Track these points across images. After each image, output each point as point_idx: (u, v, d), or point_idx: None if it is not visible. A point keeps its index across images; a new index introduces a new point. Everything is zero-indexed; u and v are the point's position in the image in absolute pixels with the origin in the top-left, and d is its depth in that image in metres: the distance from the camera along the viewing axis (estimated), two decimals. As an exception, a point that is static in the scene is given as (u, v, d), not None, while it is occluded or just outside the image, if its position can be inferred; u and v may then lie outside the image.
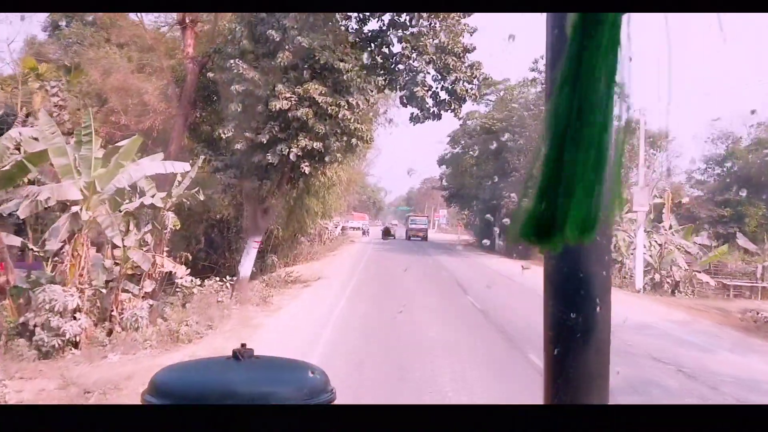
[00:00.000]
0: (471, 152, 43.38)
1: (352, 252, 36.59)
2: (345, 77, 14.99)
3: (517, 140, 34.79)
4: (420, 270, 25.91)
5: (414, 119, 17.14)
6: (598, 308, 1.01)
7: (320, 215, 28.14)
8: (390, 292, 18.63)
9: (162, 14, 20.62)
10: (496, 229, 43.84)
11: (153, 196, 13.85)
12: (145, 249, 13.66)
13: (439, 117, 17.06)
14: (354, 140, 15.88)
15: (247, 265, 17.03)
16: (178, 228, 14.33)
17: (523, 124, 34.95)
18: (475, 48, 16.18)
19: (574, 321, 0.99)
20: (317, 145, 15.19)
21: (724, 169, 40.82)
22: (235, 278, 16.97)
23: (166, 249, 14.50)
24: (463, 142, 45.11)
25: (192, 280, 14.86)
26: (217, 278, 15.49)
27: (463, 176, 45.27)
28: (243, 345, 1.67)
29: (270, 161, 15.21)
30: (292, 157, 15.24)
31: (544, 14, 0.96)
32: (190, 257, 27.34)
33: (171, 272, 14.71)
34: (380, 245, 46.17)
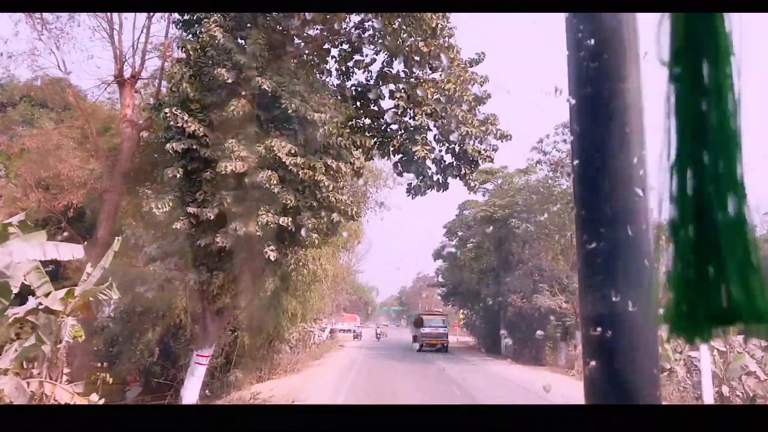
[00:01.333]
0: (470, 244, 39.60)
1: (340, 360, 31.62)
2: (321, 131, 11.28)
3: (525, 227, 31.05)
4: (423, 385, 21.18)
5: (413, 190, 13.33)
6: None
7: (300, 318, 23.71)
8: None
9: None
10: (503, 331, 39.23)
11: (47, 295, 9.67)
12: (26, 373, 9.33)
13: (444, 186, 13.27)
14: (335, 216, 11.95)
15: (192, 388, 12.54)
16: (81, 339, 10.00)
17: (531, 209, 31.36)
18: (489, 96, 12.68)
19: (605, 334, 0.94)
20: (284, 221, 11.22)
21: None
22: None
23: (66, 371, 10.15)
24: (460, 233, 41.41)
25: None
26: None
27: (461, 271, 41.19)
28: None
29: (221, 244, 11.16)
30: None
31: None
32: (139, 373, 22.64)
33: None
34: (372, 350, 41.11)
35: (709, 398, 14.97)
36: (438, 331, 40.99)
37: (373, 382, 21.09)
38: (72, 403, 10.24)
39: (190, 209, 11.28)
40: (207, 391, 15.63)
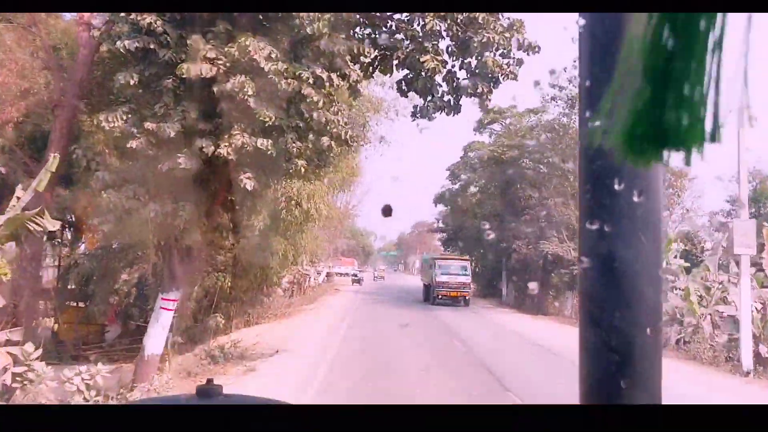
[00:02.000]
0: (473, 188, 37.62)
1: (334, 305, 30.00)
2: (307, 31, 9.12)
3: (537, 168, 29.01)
4: (422, 337, 19.56)
5: (420, 113, 11.24)
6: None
7: (292, 260, 21.93)
8: (382, 386, 11.77)
9: None
10: (505, 278, 37.71)
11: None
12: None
13: (456, 109, 11.16)
14: (325, 140, 9.92)
15: (156, 336, 10.79)
16: (6, 277, 8.14)
17: (543, 149, 29.23)
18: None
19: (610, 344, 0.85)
20: (263, 143, 9.20)
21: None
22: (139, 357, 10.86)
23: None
24: (464, 177, 39.31)
25: (43, 370, 8.67)
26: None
27: (463, 216, 39.29)
28: (209, 381, 1.54)
29: (184, 167, 9.16)
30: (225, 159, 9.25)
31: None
32: (117, 314, 21.05)
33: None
34: (369, 295, 39.59)
35: (747, 359, 13.31)
36: (458, 280, 32.97)
37: (367, 332, 19.47)
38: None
39: (148, 124, 9.22)
40: (180, 338, 13.96)
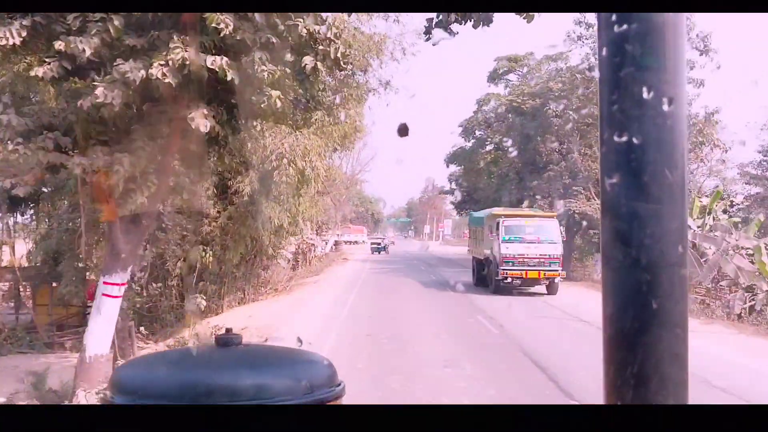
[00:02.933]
0: (489, 145, 34.71)
1: (341, 277, 27.34)
2: None
3: (564, 116, 26.01)
4: (438, 313, 17.01)
5: (436, 24, 8.41)
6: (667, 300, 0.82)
7: (289, 229, 19.29)
8: (392, 386, 9.13)
9: None
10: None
11: None
12: None
13: (487, 20, 8.35)
14: (308, 60, 7.19)
15: (98, 333, 8.25)
16: None
17: (569, 97, 26.22)
18: None
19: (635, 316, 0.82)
20: (215, 62, 6.48)
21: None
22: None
23: None
24: (478, 133, 36.30)
25: None
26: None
27: (478, 176, 36.43)
28: (228, 330, 1.53)
29: (103, 99, 6.47)
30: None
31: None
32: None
33: None
34: (378, 263, 37.06)
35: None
36: (541, 251, 20.96)
37: (376, 309, 16.92)
38: None
39: (59, 44, 6.51)
40: (143, 328, 11.48)
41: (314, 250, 36.55)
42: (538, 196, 29.21)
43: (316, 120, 14.54)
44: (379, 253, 48.88)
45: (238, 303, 18.42)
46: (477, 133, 36.01)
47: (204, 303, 15.10)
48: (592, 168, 27.67)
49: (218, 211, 16.56)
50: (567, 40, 25.96)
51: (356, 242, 68.85)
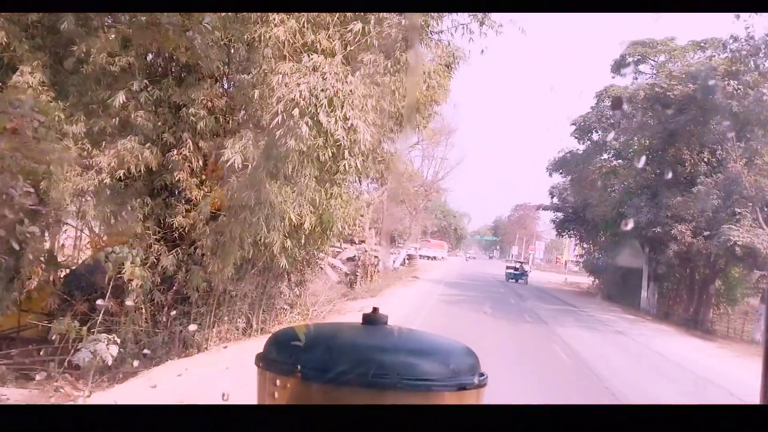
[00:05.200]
0: (610, 148, 27.21)
1: (398, 305, 18.86)
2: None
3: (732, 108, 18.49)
4: (532, 372, 10.11)
5: None
6: None
7: (320, 235, 12.75)
8: None
9: None
10: (647, 276, 27.06)
11: None
12: None
13: None
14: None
15: None
16: None
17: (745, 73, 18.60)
18: None
19: None
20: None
21: None
22: None
23: None
24: (595, 136, 28.75)
25: None
26: None
27: (590, 188, 28.83)
28: (375, 309, 1.45)
29: None
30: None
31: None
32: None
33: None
34: (453, 287, 29.90)
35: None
36: None
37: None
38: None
39: None
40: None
41: (378, 264, 30.23)
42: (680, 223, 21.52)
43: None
44: (516, 281, 37.87)
45: (235, 335, 12.31)
46: (593, 134, 28.47)
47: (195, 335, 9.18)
48: (764, 185, 19.82)
49: (202, 191, 10.57)
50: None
51: (434, 258, 62.37)
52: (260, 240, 10.37)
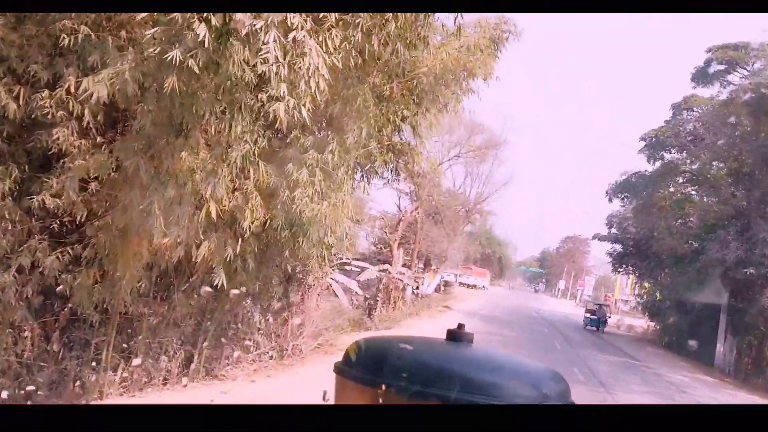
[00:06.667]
0: (685, 173, 22.58)
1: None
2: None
3: None
4: None
5: None
6: None
7: (322, 252, 8.84)
8: None
9: None
10: (725, 328, 22.10)
11: None
12: None
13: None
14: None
15: None
16: None
17: None
18: None
19: None
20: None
21: None
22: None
23: None
24: (668, 156, 24.10)
25: None
26: None
27: (658, 218, 24.14)
28: (461, 326, 1.43)
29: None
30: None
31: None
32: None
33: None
34: (489, 322, 25.40)
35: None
36: None
37: None
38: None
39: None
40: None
41: (404, 289, 26.20)
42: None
43: None
44: (597, 328, 31.55)
45: (157, 378, 8.51)
46: (667, 153, 23.83)
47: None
48: None
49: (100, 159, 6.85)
50: None
51: (474, 286, 57.96)
52: (165, 239, 6.58)
